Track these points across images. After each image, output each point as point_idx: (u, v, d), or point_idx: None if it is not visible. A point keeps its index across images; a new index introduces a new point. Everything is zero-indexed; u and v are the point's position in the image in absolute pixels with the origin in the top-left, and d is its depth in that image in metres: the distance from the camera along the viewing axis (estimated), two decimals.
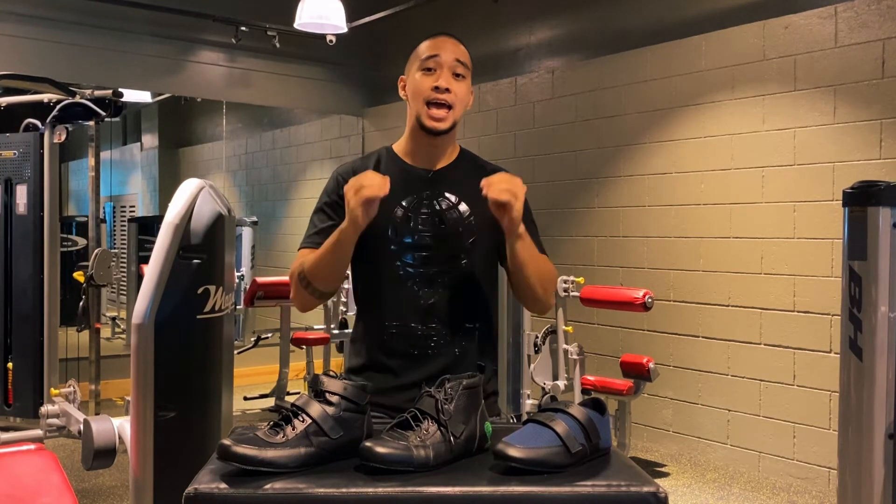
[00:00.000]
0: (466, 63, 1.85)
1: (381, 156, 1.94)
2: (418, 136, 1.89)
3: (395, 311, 1.83)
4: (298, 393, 4.82)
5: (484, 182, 1.67)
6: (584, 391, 4.41)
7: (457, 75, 1.83)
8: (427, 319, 1.82)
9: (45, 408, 4.15)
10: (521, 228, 1.73)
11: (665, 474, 4.49)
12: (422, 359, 1.82)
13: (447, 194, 1.87)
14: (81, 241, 7.01)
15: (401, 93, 1.92)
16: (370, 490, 1.27)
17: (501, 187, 1.64)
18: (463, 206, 1.86)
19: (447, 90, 1.81)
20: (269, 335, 5.99)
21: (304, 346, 5.57)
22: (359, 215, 1.65)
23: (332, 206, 1.88)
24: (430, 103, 1.81)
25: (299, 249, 1.89)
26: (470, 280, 1.87)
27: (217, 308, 2.46)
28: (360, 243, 1.82)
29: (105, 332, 5.80)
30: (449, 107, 1.82)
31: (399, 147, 1.94)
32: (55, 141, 4.25)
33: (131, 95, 6.03)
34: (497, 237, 1.87)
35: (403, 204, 1.85)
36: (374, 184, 1.64)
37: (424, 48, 1.85)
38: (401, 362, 1.83)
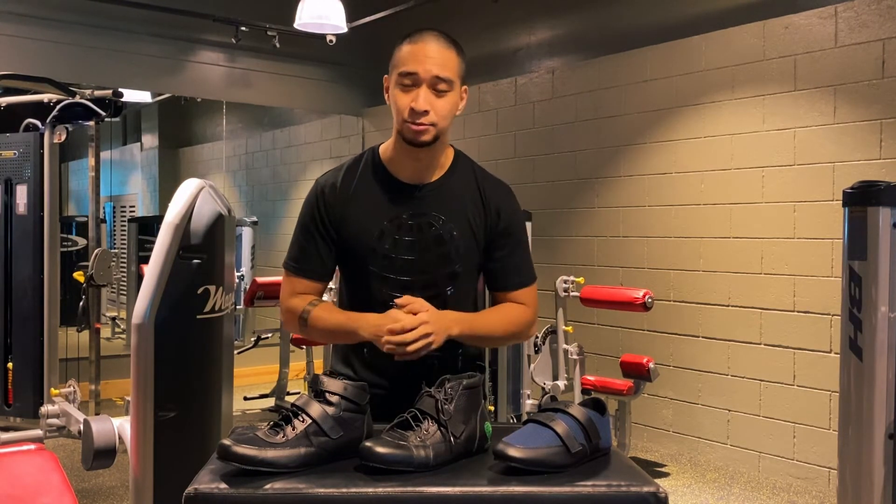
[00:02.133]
0: (449, 76, 1.69)
1: (368, 164, 1.81)
2: (403, 147, 1.75)
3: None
4: (298, 393, 4.82)
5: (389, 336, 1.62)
6: (584, 391, 4.41)
7: (438, 91, 1.68)
8: None
9: (45, 408, 4.15)
10: (455, 330, 1.68)
11: (665, 474, 4.49)
12: (404, 382, 1.69)
13: (434, 213, 1.76)
14: (81, 241, 7.01)
15: (385, 95, 1.78)
16: (370, 490, 1.27)
17: (408, 348, 1.61)
18: (450, 229, 1.76)
19: (425, 112, 1.67)
20: (269, 335, 6.00)
21: (304, 346, 5.57)
22: (381, 344, 1.63)
23: (315, 225, 1.79)
24: (408, 122, 1.69)
25: (284, 268, 1.83)
26: (455, 303, 1.78)
27: (217, 308, 2.46)
28: (343, 255, 1.80)
29: (105, 332, 5.80)
30: (430, 125, 1.69)
31: (386, 153, 1.81)
32: (55, 141, 4.25)
33: (131, 95, 6.03)
34: (483, 260, 1.83)
35: (386, 222, 1.75)
36: (401, 350, 1.61)
37: (404, 57, 1.70)
38: (385, 384, 1.75)
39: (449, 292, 1.78)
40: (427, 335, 1.61)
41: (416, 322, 1.61)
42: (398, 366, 1.68)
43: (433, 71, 1.67)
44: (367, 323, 1.68)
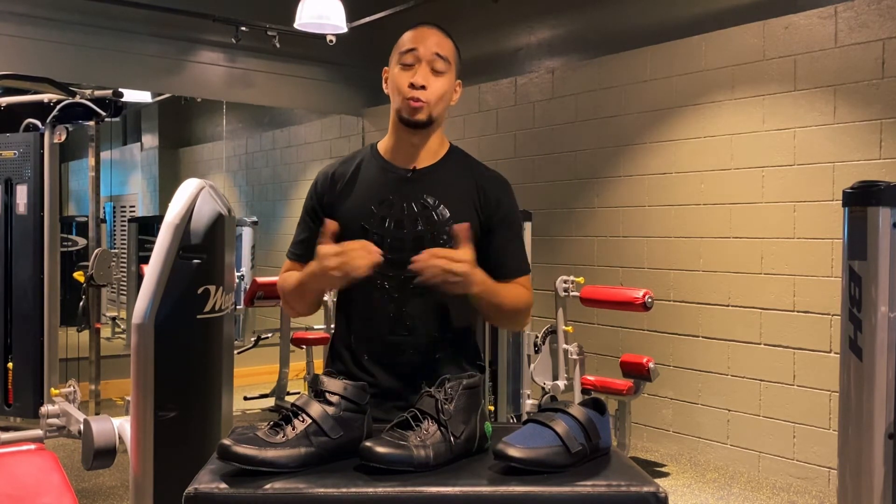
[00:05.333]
0: (447, 57, 1.77)
1: (365, 155, 1.88)
2: (399, 132, 1.82)
3: (366, 316, 1.78)
4: (298, 393, 4.82)
5: (418, 260, 1.59)
6: (584, 391, 4.41)
7: (436, 71, 1.76)
8: (398, 327, 1.75)
9: (45, 408, 4.15)
10: (476, 288, 1.65)
11: (665, 474, 4.49)
12: (393, 368, 1.75)
13: (426, 196, 1.78)
14: (81, 241, 7.00)
15: (384, 86, 1.85)
16: (370, 490, 1.27)
17: (432, 271, 1.58)
18: (442, 209, 1.78)
19: (423, 87, 1.74)
20: (269, 335, 6.00)
21: (304, 346, 5.57)
22: (333, 280, 1.63)
23: (310, 214, 1.86)
24: (407, 98, 1.75)
25: (286, 256, 1.91)
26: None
27: (217, 308, 2.46)
28: (337, 241, 1.79)
29: (105, 332, 5.80)
30: (425, 102, 1.75)
31: (383, 144, 1.87)
32: (55, 141, 4.25)
33: (131, 95, 6.03)
34: (477, 244, 1.80)
35: (377, 204, 1.78)
36: (359, 264, 1.58)
37: (404, 40, 1.78)
38: (372, 371, 1.76)
39: None
40: (463, 268, 1.58)
41: (358, 245, 1.60)
42: (387, 364, 1.74)
43: (432, 49, 1.76)
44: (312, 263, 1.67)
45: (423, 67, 1.75)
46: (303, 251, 1.85)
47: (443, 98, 1.78)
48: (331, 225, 1.65)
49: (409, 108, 1.75)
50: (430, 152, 1.84)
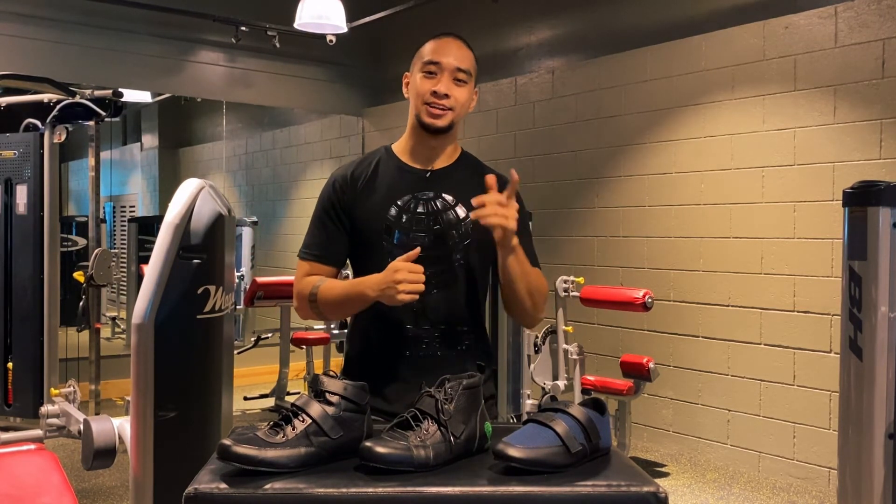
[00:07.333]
0: (469, 70, 1.85)
1: (381, 157, 1.93)
2: (417, 135, 1.89)
3: (387, 311, 1.80)
4: (298, 393, 4.82)
5: (475, 202, 1.70)
6: (584, 391, 4.41)
7: (458, 80, 1.84)
8: (419, 321, 1.81)
9: (45, 408, 4.14)
10: (515, 241, 1.75)
11: (665, 474, 4.49)
12: (414, 361, 1.81)
13: (444, 195, 1.87)
14: (81, 241, 7.00)
15: (404, 90, 1.92)
16: (370, 490, 1.27)
17: (492, 213, 1.69)
18: (460, 208, 1.86)
19: (446, 96, 1.82)
20: (269, 335, 6.00)
21: (304, 346, 5.58)
22: (391, 297, 1.69)
23: (327, 213, 1.90)
24: (428, 104, 1.83)
25: (298, 256, 1.92)
26: (464, 282, 1.86)
27: (217, 308, 2.46)
28: (355, 240, 1.89)
29: (105, 332, 5.80)
30: (448, 108, 1.83)
31: (398, 146, 1.94)
32: (55, 141, 4.25)
33: (131, 95, 6.03)
34: (493, 241, 1.86)
35: (398, 203, 1.85)
36: (415, 287, 1.67)
37: (428, 50, 1.85)
38: (393, 365, 1.81)
39: (458, 266, 1.85)
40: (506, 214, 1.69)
41: (417, 268, 1.69)
42: (411, 350, 1.79)
43: (454, 63, 1.84)
44: (371, 282, 1.73)
45: (446, 77, 1.83)
46: (321, 252, 1.89)
47: (463, 106, 1.87)
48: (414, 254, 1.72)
49: (430, 113, 1.83)
50: (446, 155, 1.92)
